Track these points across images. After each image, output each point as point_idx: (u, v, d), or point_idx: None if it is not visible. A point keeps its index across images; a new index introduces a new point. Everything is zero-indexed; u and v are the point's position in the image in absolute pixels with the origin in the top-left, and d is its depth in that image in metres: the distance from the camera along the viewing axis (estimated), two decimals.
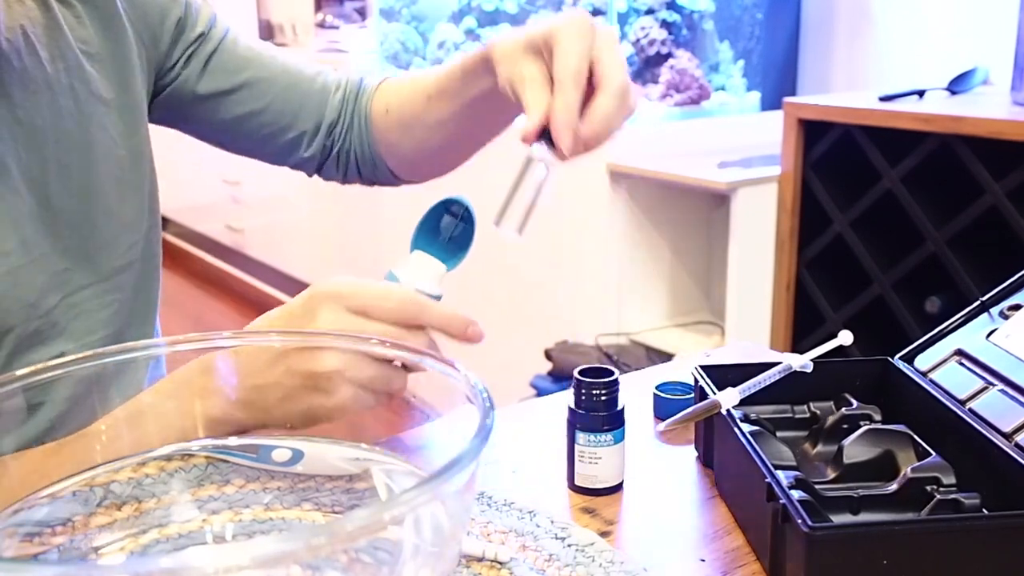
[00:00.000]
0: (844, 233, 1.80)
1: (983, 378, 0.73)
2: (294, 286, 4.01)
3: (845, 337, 0.80)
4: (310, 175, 1.04)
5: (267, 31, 4.02)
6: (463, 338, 0.72)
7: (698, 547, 0.69)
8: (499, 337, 2.66)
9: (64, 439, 0.66)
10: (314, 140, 0.99)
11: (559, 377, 2.20)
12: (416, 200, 0.92)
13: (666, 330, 2.34)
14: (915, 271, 1.71)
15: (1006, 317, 0.78)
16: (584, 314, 2.36)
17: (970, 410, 0.71)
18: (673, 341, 2.27)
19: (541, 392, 2.19)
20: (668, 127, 2.37)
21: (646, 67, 2.52)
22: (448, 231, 0.80)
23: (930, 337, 0.80)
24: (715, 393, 0.74)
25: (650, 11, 2.47)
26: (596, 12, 2.50)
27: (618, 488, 0.76)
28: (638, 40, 2.48)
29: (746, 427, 0.70)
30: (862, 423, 0.75)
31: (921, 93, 1.79)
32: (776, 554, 0.62)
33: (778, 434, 0.74)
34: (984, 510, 0.64)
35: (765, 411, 0.79)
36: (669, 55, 2.47)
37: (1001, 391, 0.71)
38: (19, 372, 0.54)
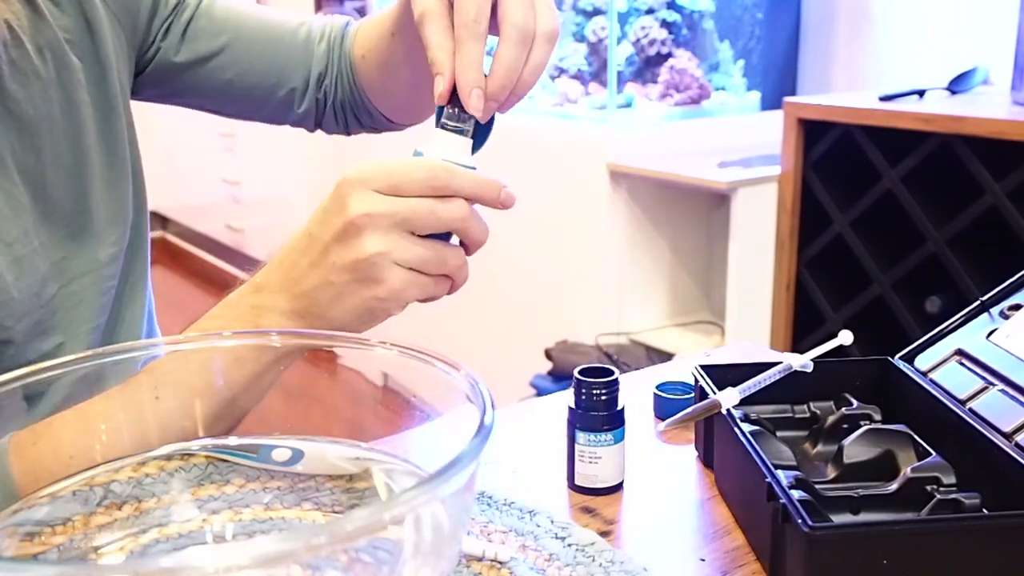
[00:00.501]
0: (844, 233, 1.80)
1: (983, 378, 0.73)
2: None
3: (845, 337, 0.80)
4: (311, 131, 1.02)
5: None
6: (497, 203, 0.68)
7: (698, 547, 0.69)
8: (499, 337, 2.67)
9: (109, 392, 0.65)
10: (306, 95, 0.97)
11: (559, 377, 2.20)
12: None
13: (666, 330, 2.35)
14: (915, 271, 1.71)
15: (1006, 317, 0.78)
16: (584, 314, 2.36)
17: (970, 410, 0.71)
18: (673, 341, 2.27)
19: (541, 392, 2.19)
20: (668, 127, 2.37)
21: (646, 67, 2.52)
22: None
23: (930, 337, 0.80)
24: (715, 393, 0.74)
25: (650, 11, 2.47)
26: (596, 11, 2.51)
27: (618, 488, 0.76)
28: (638, 40, 2.48)
29: (746, 427, 0.70)
30: (862, 423, 0.75)
31: (921, 93, 1.79)
32: (776, 554, 0.62)
33: (778, 434, 0.74)
34: (984, 510, 0.64)
35: (765, 411, 0.79)
36: (669, 55, 2.47)
37: (1001, 391, 0.71)
38: (18, 372, 0.54)
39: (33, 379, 0.54)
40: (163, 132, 3.65)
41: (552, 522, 0.69)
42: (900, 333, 1.71)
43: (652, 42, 2.45)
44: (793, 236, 1.88)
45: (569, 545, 0.67)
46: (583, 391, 0.74)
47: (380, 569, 0.48)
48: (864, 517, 0.66)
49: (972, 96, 1.83)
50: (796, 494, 0.61)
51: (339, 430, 0.64)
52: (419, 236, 0.67)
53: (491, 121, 0.71)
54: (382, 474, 0.60)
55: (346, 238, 0.66)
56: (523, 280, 2.56)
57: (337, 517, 0.58)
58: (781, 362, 0.77)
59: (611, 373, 0.75)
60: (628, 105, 2.44)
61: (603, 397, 0.74)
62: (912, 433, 0.71)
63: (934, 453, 0.68)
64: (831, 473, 0.72)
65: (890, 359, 0.81)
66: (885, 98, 1.76)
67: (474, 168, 0.69)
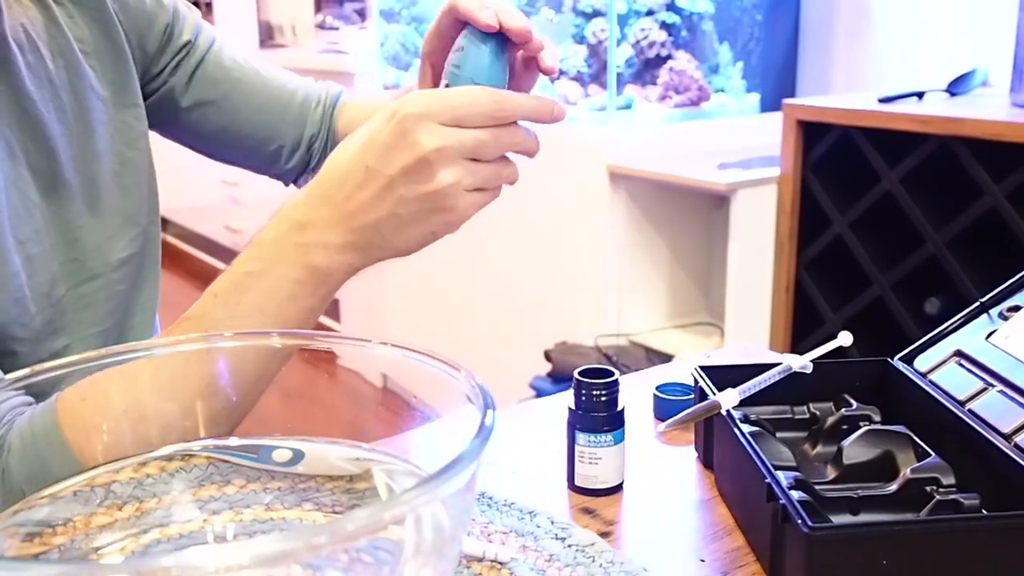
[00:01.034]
0: (844, 234, 1.80)
1: (982, 379, 0.73)
2: None
3: (845, 338, 0.80)
4: (287, 185, 1.06)
5: (267, 32, 4.03)
6: (551, 119, 0.72)
7: (698, 547, 0.69)
8: (499, 338, 2.67)
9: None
10: (295, 154, 1.01)
11: (559, 378, 2.20)
12: None
13: (666, 331, 2.35)
14: (914, 272, 1.71)
15: (1005, 318, 0.78)
16: (584, 315, 2.36)
17: (969, 411, 0.71)
18: (673, 342, 2.27)
19: (541, 393, 2.19)
20: (668, 128, 2.37)
21: (646, 68, 2.52)
22: None
23: (930, 338, 0.81)
24: (715, 394, 0.74)
25: (650, 12, 2.47)
26: (596, 13, 2.51)
27: (618, 489, 0.76)
28: (638, 42, 2.48)
29: (746, 428, 0.70)
30: (862, 424, 0.75)
31: (920, 95, 1.79)
32: (776, 554, 0.62)
33: (778, 435, 0.75)
34: (983, 511, 0.64)
35: (765, 412, 0.79)
36: (669, 57, 2.47)
37: (1000, 392, 0.71)
38: (21, 372, 0.54)
39: (37, 379, 0.55)
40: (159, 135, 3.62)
41: (552, 523, 0.69)
42: (899, 334, 1.71)
43: (651, 44, 2.46)
44: (792, 237, 1.88)
45: (569, 546, 0.67)
46: (583, 392, 0.74)
47: (381, 569, 0.48)
48: (864, 518, 0.66)
49: (971, 98, 1.83)
50: (796, 495, 0.61)
51: (339, 431, 0.64)
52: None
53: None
54: (383, 474, 0.60)
55: (416, 172, 0.68)
56: (523, 281, 2.56)
57: (338, 517, 0.58)
58: (781, 363, 0.77)
59: (611, 374, 0.75)
60: (628, 107, 2.45)
61: (603, 398, 0.74)
62: (911, 434, 0.72)
63: (933, 454, 0.68)
64: (831, 474, 0.72)
65: (889, 360, 0.81)
66: (884, 100, 1.76)
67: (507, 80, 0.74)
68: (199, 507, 0.58)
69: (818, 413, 0.79)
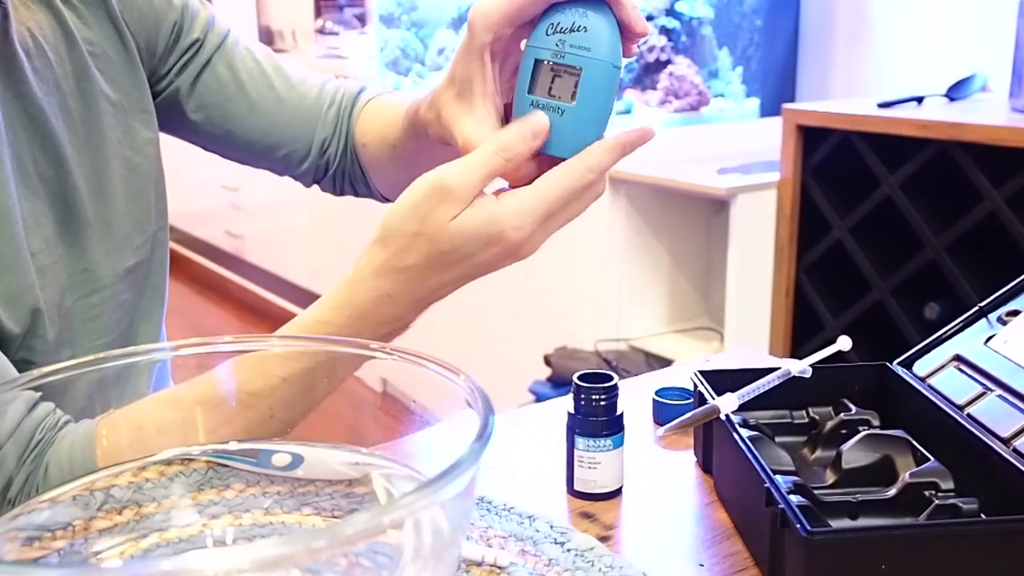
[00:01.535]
0: (843, 239, 1.80)
1: (981, 383, 0.73)
2: (294, 292, 4.01)
3: (844, 343, 0.80)
4: (307, 187, 1.02)
5: (267, 37, 4.03)
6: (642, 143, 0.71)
7: (697, 552, 0.69)
8: (498, 343, 2.67)
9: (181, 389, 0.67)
10: (307, 158, 0.96)
11: (558, 383, 2.20)
12: None
13: (665, 336, 2.35)
14: (914, 277, 1.71)
15: (1004, 323, 0.78)
16: (583, 320, 2.36)
17: (968, 415, 0.71)
18: (672, 347, 2.27)
19: (540, 398, 2.19)
20: (667, 133, 2.37)
21: (645, 73, 2.52)
22: None
23: (929, 343, 0.81)
24: (714, 398, 0.74)
25: (649, 18, 2.48)
26: None
27: (617, 493, 0.76)
28: (637, 46, 2.48)
29: (745, 432, 0.70)
30: (861, 428, 0.75)
31: (920, 99, 1.79)
32: (775, 559, 0.62)
33: (777, 439, 0.75)
34: (982, 515, 0.64)
35: (764, 416, 0.79)
36: (668, 62, 2.48)
37: (999, 396, 0.71)
38: (22, 377, 0.54)
39: (37, 383, 0.55)
40: (162, 137, 3.63)
41: (551, 527, 0.69)
42: (899, 339, 1.71)
43: (651, 49, 2.46)
44: (792, 242, 1.88)
45: (568, 550, 0.67)
46: (582, 397, 0.74)
47: (380, 573, 0.48)
48: (863, 522, 0.66)
49: (970, 103, 1.83)
50: (795, 499, 0.61)
51: (339, 435, 0.64)
52: None
53: None
54: (382, 479, 0.60)
55: (506, 258, 0.69)
56: (522, 286, 2.56)
57: (337, 521, 0.58)
58: (780, 368, 0.77)
59: (610, 379, 0.75)
60: (627, 112, 2.45)
61: (602, 403, 0.74)
62: (910, 438, 0.72)
63: (932, 458, 0.68)
64: (830, 478, 0.72)
65: (889, 365, 0.81)
66: (884, 105, 1.76)
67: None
68: (198, 511, 0.58)
69: (817, 418, 0.79)
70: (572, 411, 0.75)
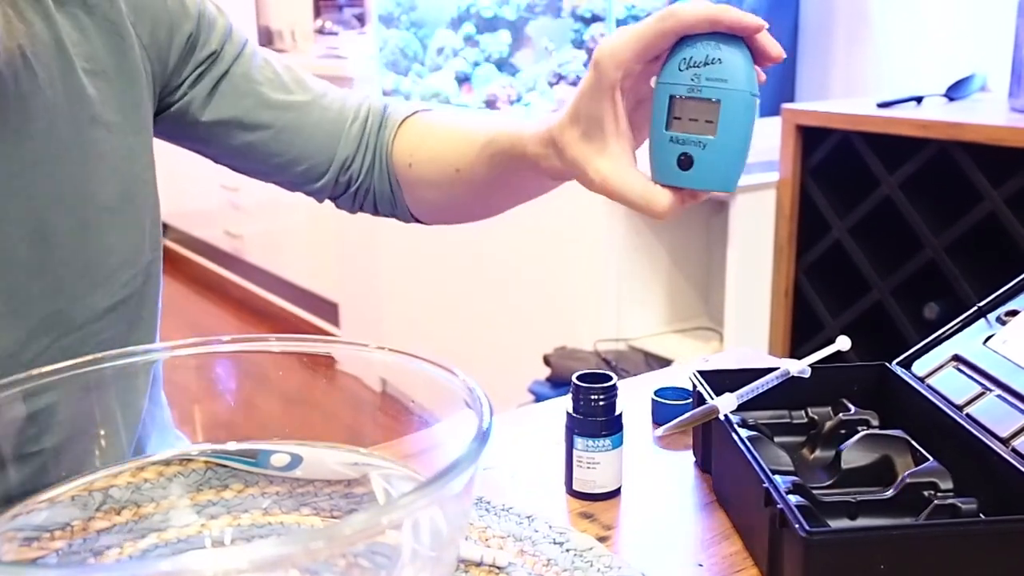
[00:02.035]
0: (842, 239, 1.80)
1: (980, 383, 0.73)
2: (293, 292, 4.02)
3: (843, 343, 0.80)
4: (320, 202, 0.96)
5: (266, 37, 4.03)
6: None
7: (696, 552, 0.69)
8: (498, 343, 2.67)
9: None
10: (325, 175, 0.91)
11: (558, 383, 2.20)
12: None
13: (665, 336, 2.35)
14: (913, 277, 1.71)
15: (1003, 323, 0.78)
16: (583, 320, 2.37)
17: (967, 415, 0.71)
18: (672, 347, 2.27)
19: (539, 398, 2.19)
20: None
21: None
22: None
23: (928, 342, 0.81)
24: (713, 398, 0.74)
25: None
26: (595, 18, 2.51)
27: (616, 493, 0.76)
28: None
29: (744, 432, 0.70)
30: (860, 428, 0.75)
31: (919, 99, 1.79)
32: (774, 559, 0.62)
33: (776, 439, 0.75)
34: (981, 515, 0.64)
35: (763, 416, 0.79)
36: None
37: (998, 396, 0.71)
38: (18, 377, 0.54)
39: (33, 384, 0.55)
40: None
41: (550, 527, 0.69)
42: (898, 339, 1.71)
43: None
44: (791, 242, 1.88)
45: (567, 550, 0.67)
46: (581, 397, 0.74)
47: (378, 573, 0.48)
48: (862, 522, 0.66)
49: (970, 103, 1.83)
50: (794, 499, 0.61)
51: (338, 436, 0.64)
52: None
53: None
54: (380, 479, 0.60)
55: None
56: (522, 286, 2.56)
57: (336, 522, 0.58)
58: (779, 368, 0.77)
59: (609, 379, 0.75)
60: None
61: (601, 403, 0.74)
62: (909, 438, 0.72)
63: (931, 458, 0.69)
64: (829, 478, 0.72)
65: (888, 365, 0.81)
66: (883, 104, 1.76)
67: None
68: (197, 511, 0.58)
69: (816, 418, 0.79)
70: (571, 411, 0.75)
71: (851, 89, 2.29)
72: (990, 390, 0.72)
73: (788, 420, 0.79)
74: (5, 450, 0.66)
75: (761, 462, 0.65)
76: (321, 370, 0.67)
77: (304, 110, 0.90)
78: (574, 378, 0.75)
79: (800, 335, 1.92)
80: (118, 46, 0.79)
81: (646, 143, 0.70)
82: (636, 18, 2.48)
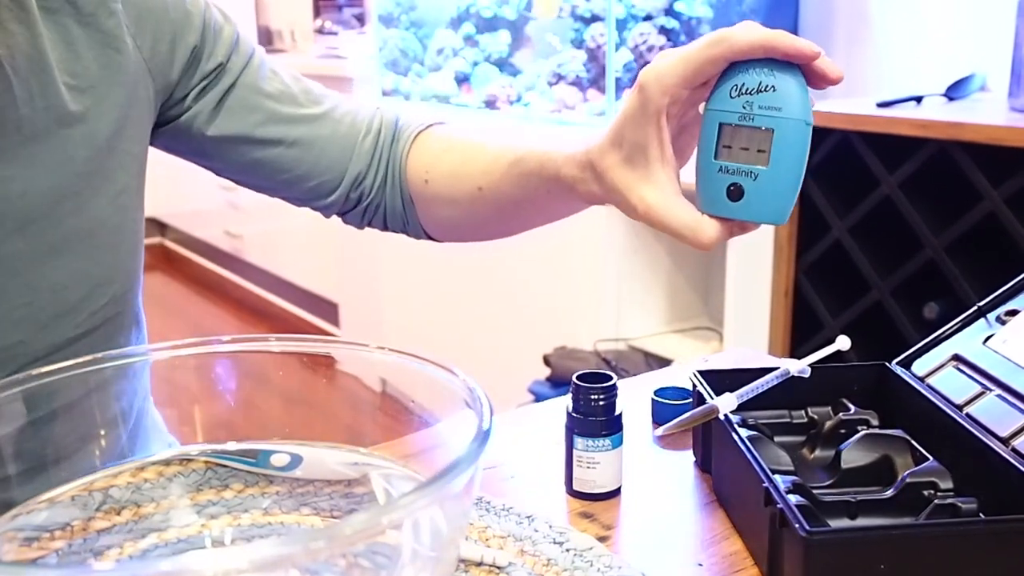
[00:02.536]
0: (842, 239, 1.80)
1: (980, 383, 0.73)
2: (293, 292, 4.02)
3: (843, 342, 0.80)
4: (327, 217, 0.94)
5: (266, 37, 4.03)
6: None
7: (696, 552, 0.69)
8: (497, 343, 2.67)
9: None
10: (336, 190, 0.88)
11: (557, 383, 2.20)
12: None
13: (664, 336, 2.35)
14: (913, 277, 1.71)
15: (1003, 322, 0.78)
16: (582, 320, 2.37)
17: (967, 415, 0.71)
18: (671, 347, 2.27)
19: (539, 398, 2.19)
20: None
21: None
22: None
23: (927, 342, 0.81)
24: (713, 398, 0.74)
25: (648, 17, 2.48)
26: (595, 18, 2.51)
27: (616, 493, 0.76)
28: (636, 46, 2.48)
29: (744, 432, 0.70)
30: (860, 428, 0.75)
31: (919, 99, 1.79)
32: (774, 559, 0.62)
33: (776, 439, 0.75)
34: (981, 515, 0.64)
35: (763, 416, 0.79)
36: None
37: (998, 396, 0.71)
38: (17, 377, 0.54)
39: (33, 384, 0.55)
40: None
41: (550, 527, 0.69)
42: (898, 339, 1.71)
43: (650, 48, 2.46)
44: (791, 242, 1.88)
45: (567, 550, 0.67)
46: (581, 397, 0.74)
47: (378, 573, 0.48)
48: (861, 522, 0.66)
49: (969, 102, 1.83)
50: (794, 499, 0.61)
51: (338, 436, 0.64)
52: None
53: None
54: (380, 479, 0.60)
55: None
56: (521, 286, 2.56)
57: (336, 522, 0.58)
58: (779, 368, 0.77)
59: (609, 379, 0.75)
60: None
61: (601, 403, 0.74)
62: (909, 438, 0.72)
63: (931, 458, 0.69)
64: (829, 478, 0.72)
65: (887, 364, 0.81)
66: (883, 104, 1.76)
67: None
68: (197, 511, 0.58)
69: (816, 417, 0.79)
70: (571, 411, 0.75)
71: (851, 89, 2.29)
72: (990, 390, 0.72)
73: (788, 420, 0.79)
74: (5, 450, 0.66)
75: (761, 462, 0.65)
76: (321, 370, 0.67)
77: (314, 124, 0.86)
78: (574, 378, 0.75)
79: (800, 335, 1.92)
80: (112, 59, 0.75)
81: (684, 169, 0.69)
82: (636, 18, 2.48)
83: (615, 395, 0.75)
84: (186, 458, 0.61)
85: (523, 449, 0.84)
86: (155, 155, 0.86)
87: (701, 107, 0.66)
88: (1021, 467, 0.62)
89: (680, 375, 0.95)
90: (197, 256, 4.84)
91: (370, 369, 0.66)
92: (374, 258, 3.13)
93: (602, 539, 0.70)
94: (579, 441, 0.75)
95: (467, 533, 0.69)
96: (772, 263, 1.92)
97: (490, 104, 2.74)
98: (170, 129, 0.83)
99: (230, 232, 4.32)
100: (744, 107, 0.63)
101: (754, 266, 2.00)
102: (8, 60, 0.69)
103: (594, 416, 0.74)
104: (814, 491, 0.66)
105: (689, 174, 0.69)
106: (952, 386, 0.75)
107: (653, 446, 0.86)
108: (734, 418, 0.73)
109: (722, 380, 0.77)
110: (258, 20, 4.07)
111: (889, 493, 0.67)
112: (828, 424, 0.76)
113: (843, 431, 0.75)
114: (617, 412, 0.75)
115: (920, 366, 0.79)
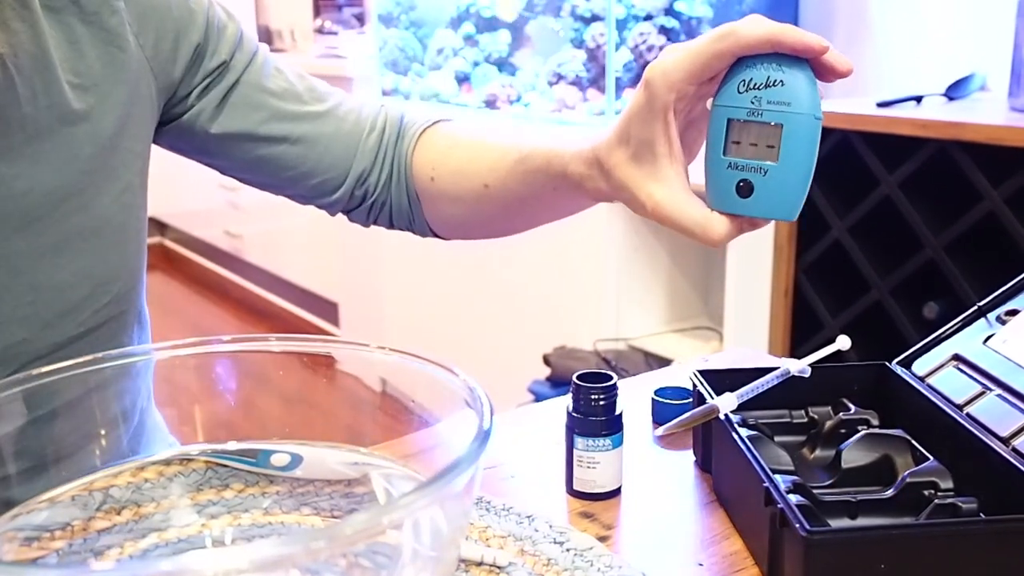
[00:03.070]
0: (842, 239, 1.80)
1: (980, 383, 0.73)
2: (293, 292, 4.02)
3: (843, 342, 0.80)
4: (332, 215, 0.93)
5: (266, 37, 4.03)
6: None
7: (696, 552, 0.69)
8: (497, 342, 2.67)
9: None
10: (340, 188, 0.88)
11: (558, 382, 2.20)
12: None
13: (664, 335, 2.35)
14: (913, 277, 1.71)
15: (1003, 322, 0.78)
16: (582, 319, 2.37)
17: (967, 415, 0.71)
18: (671, 346, 2.27)
19: (539, 397, 2.19)
20: None
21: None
22: None
23: (928, 342, 0.81)
24: (713, 398, 0.74)
25: (648, 17, 2.48)
26: (595, 18, 2.51)
27: (616, 493, 0.76)
28: (636, 46, 2.48)
29: (744, 432, 0.70)
30: (860, 428, 0.75)
31: (919, 99, 1.79)
32: (774, 559, 0.62)
33: (776, 439, 0.75)
34: (981, 514, 0.64)
35: (763, 416, 0.79)
36: None
37: (998, 396, 0.71)
38: (17, 377, 0.54)
39: (33, 384, 0.55)
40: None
41: (550, 527, 0.69)
42: (898, 338, 1.71)
43: (650, 48, 2.46)
44: (791, 242, 1.88)
45: (567, 550, 0.67)
46: (581, 396, 0.74)
47: (379, 573, 0.48)
48: (862, 522, 0.66)
49: (969, 102, 1.83)
50: (794, 499, 0.61)
51: (338, 435, 0.64)
52: None
53: None
54: (381, 479, 0.60)
55: None
56: (521, 286, 2.56)
57: (336, 522, 0.58)
58: (779, 367, 0.77)
59: (609, 378, 0.75)
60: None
61: (601, 402, 0.74)
62: (909, 438, 0.72)
63: (931, 458, 0.69)
64: (829, 478, 0.72)
65: (888, 364, 0.81)
66: (883, 104, 1.76)
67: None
68: (197, 511, 0.58)
69: (816, 417, 0.79)
70: (571, 411, 0.75)
71: (851, 89, 2.29)
72: (990, 389, 0.72)
73: (788, 420, 0.79)
74: (6, 449, 0.66)
75: (761, 462, 0.65)
76: (321, 370, 0.67)
77: (318, 121, 0.86)
78: (574, 378, 0.75)
79: (800, 335, 1.92)
80: (115, 57, 0.75)
81: (692, 165, 0.68)
82: (636, 17, 2.48)
83: (615, 395, 0.75)
84: (186, 458, 0.61)
85: (523, 449, 0.84)
86: (155, 154, 0.86)
87: (709, 102, 0.65)
88: (1021, 467, 0.62)
89: (680, 375, 0.95)
90: (197, 256, 4.84)
91: (370, 369, 0.66)
92: (374, 258, 3.13)
93: (602, 539, 0.70)
94: (579, 441, 0.75)
95: (467, 533, 0.69)
96: (772, 263, 1.92)
97: (490, 104, 2.74)
98: (174, 127, 0.83)
99: (230, 232, 4.31)
100: (752, 102, 0.62)
101: (754, 266, 2.00)
102: (11, 58, 0.68)
103: (594, 416, 0.74)
104: (814, 491, 0.66)
105: (698, 171, 0.68)
106: (952, 386, 0.75)
107: (653, 446, 0.86)
108: (734, 418, 0.73)
109: (722, 380, 0.77)
110: (258, 20, 4.07)
111: (889, 493, 0.67)
112: (828, 424, 0.76)
113: (843, 431, 0.75)
114: (617, 412, 0.75)
115: (920, 366, 0.79)
